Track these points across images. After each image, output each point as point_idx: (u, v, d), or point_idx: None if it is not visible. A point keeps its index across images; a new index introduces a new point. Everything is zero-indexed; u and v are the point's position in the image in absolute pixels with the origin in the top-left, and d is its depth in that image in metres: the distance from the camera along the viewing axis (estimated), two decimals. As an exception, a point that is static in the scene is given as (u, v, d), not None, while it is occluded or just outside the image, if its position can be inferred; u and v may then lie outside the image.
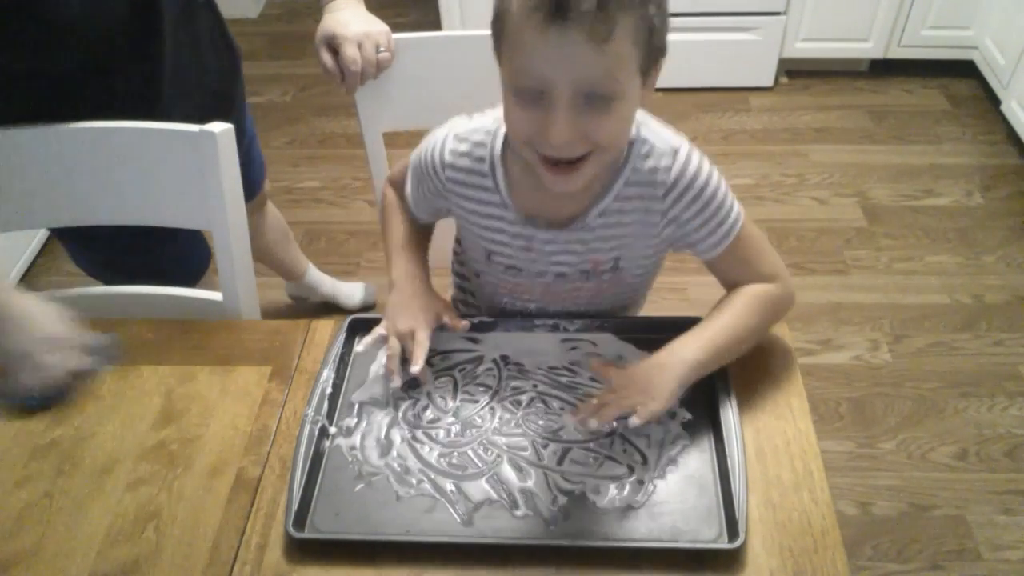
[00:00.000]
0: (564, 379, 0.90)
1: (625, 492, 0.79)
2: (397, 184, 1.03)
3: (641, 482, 0.80)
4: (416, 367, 0.87)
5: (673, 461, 0.82)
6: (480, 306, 1.12)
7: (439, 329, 0.93)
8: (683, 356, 0.83)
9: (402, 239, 0.98)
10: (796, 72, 2.71)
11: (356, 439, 0.86)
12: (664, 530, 0.76)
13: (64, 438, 0.89)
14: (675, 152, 0.85)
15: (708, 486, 0.79)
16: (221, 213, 1.06)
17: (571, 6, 0.67)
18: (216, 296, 1.14)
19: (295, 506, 0.77)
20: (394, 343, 0.89)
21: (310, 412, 0.85)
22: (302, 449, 0.82)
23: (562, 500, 0.79)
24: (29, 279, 2.12)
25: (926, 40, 2.51)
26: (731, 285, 0.91)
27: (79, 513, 0.81)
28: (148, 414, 0.91)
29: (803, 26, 2.53)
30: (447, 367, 0.93)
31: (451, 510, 0.79)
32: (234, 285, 1.12)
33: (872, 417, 1.69)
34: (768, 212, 2.22)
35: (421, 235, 1.02)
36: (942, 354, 1.81)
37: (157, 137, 1.03)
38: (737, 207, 0.88)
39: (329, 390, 0.89)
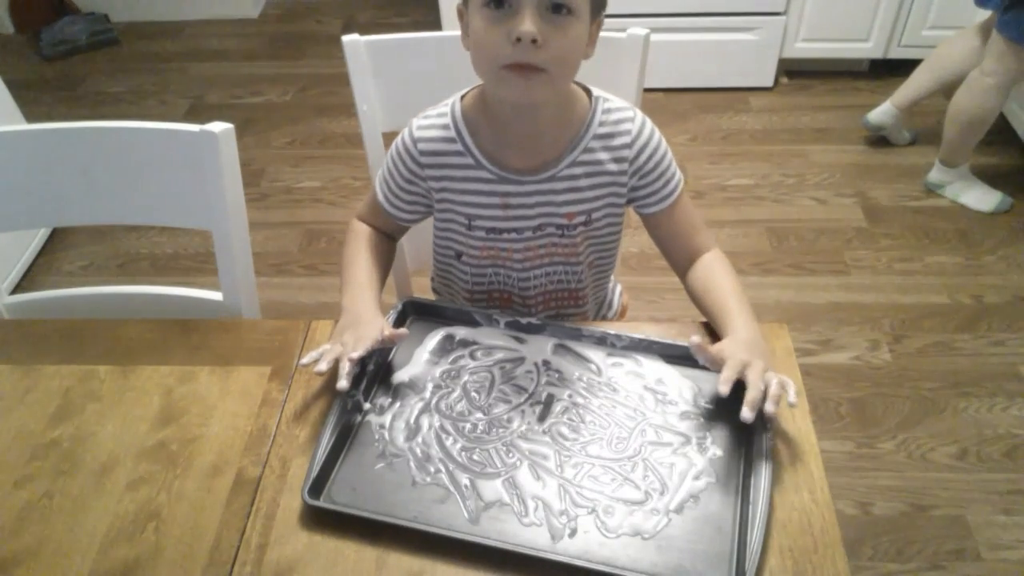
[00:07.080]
0: (601, 394, 0.88)
1: (637, 519, 0.76)
2: (365, 219, 1.05)
3: (656, 512, 0.77)
4: (357, 353, 0.85)
5: (695, 497, 0.78)
6: (462, 293, 1.11)
7: (482, 323, 0.97)
8: (757, 329, 0.89)
9: (362, 275, 0.99)
10: (796, 72, 2.72)
11: (387, 418, 0.87)
12: (669, 567, 0.73)
13: (64, 438, 0.89)
14: (632, 110, 0.95)
15: (725, 530, 0.75)
16: (221, 213, 1.06)
17: None
18: (216, 296, 1.14)
19: (315, 474, 0.79)
20: (337, 348, 0.88)
21: (346, 386, 0.84)
22: (332, 419, 0.84)
23: (572, 515, 0.77)
24: (29, 279, 2.12)
25: (926, 40, 2.51)
26: (677, 250, 1.01)
27: (79, 513, 0.81)
28: (148, 414, 0.91)
29: (803, 26, 2.53)
30: (488, 363, 0.93)
31: (461, 505, 0.78)
32: (234, 285, 1.12)
33: (872, 417, 1.69)
34: (768, 212, 2.22)
35: (379, 272, 1.02)
36: (942, 354, 1.81)
37: (157, 137, 1.03)
38: (678, 170, 0.99)
39: (371, 367, 0.90)
